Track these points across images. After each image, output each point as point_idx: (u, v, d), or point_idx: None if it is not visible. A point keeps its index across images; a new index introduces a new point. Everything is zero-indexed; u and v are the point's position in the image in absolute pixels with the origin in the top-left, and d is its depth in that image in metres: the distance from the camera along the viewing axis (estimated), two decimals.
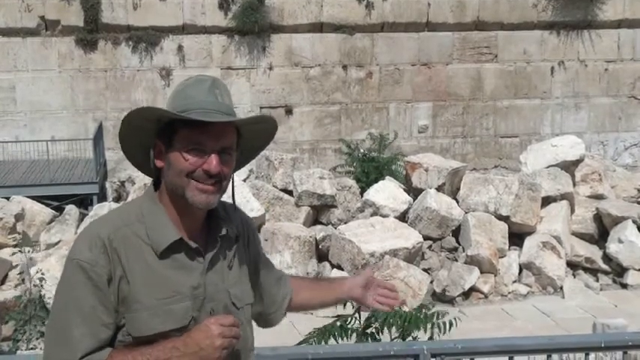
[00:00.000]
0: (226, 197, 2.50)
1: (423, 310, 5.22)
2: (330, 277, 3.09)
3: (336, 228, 13.14)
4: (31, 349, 10.01)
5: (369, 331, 5.01)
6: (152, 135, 2.32)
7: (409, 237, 12.55)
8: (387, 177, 14.86)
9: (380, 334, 5.02)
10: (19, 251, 12.24)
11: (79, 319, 2.17)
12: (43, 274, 11.00)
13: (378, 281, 2.88)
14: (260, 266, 2.65)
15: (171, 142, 2.27)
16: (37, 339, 10.32)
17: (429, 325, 5.07)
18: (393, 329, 5.01)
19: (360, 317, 5.16)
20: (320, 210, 13.91)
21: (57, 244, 13.17)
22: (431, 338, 4.96)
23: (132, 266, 2.23)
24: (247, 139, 2.41)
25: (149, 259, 2.25)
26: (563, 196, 13.88)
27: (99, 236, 2.23)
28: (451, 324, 5.14)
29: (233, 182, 2.45)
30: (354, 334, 4.91)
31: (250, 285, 2.53)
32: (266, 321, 2.75)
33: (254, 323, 2.62)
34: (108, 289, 2.20)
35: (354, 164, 16.73)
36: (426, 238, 12.93)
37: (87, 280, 2.18)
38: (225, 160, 2.28)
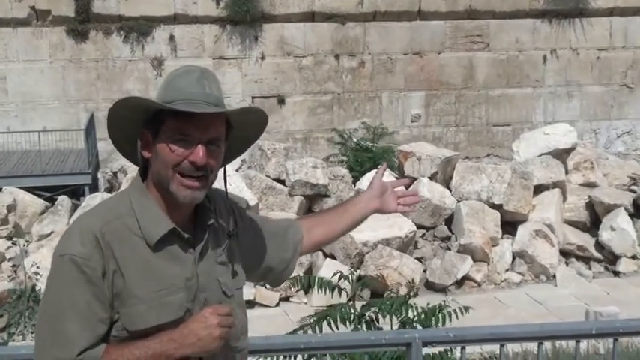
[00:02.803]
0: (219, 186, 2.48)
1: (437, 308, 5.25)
2: (345, 201, 3.10)
3: None
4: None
5: (366, 318, 5.02)
6: (139, 125, 2.30)
7: (402, 226, 12.57)
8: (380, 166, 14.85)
9: (377, 322, 5.03)
10: (13, 243, 12.22)
11: (74, 315, 2.14)
12: (38, 267, 10.97)
13: (391, 184, 2.98)
14: (260, 239, 2.63)
15: (159, 133, 2.25)
16: (33, 332, 10.31)
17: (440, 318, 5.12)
18: (393, 318, 5.01)
19: (354, 305, 5.16)
20: (313, 199, 13.91)
21: (49, 235, 13.15)
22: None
23: (125, 259, 2.20)
24: (238, 130, 2.38)
25: (142, 251, 2.23)
26: (555, 185, 13.92)
27: (90, 230, 2.20)
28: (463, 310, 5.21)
29: (225, 172, 2.44)
30: (351, 323, 4.91)
31: (247, 268, 2.53)
32: (278, 280, 2.77)
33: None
34: (102, 283, 2.17)
35: (347, 154, 16.73)
36: (419, 227, 12.96)
37: (81, 275, 2.15)
38: (212, 152, 2.26)
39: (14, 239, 12.33)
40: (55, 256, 2.21)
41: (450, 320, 5.12)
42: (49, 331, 2.16)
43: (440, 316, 5.14)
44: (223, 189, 2.49)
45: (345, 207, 2.94)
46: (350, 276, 5.38)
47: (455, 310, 5.27)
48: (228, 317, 2.24)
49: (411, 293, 5.42)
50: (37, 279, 11.09)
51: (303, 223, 2.84)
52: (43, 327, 2.20)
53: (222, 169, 2.42)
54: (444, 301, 5.49)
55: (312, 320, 4.74)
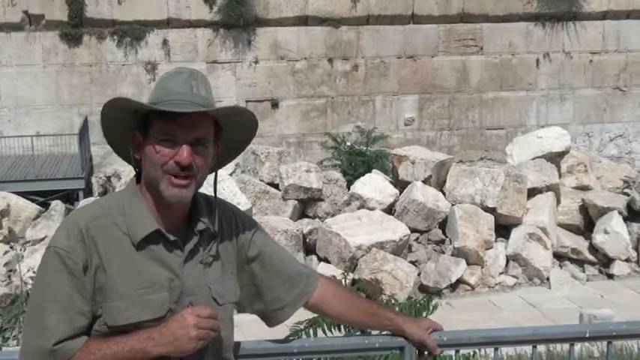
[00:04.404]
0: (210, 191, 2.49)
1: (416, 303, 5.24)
2: (384, 307, 2.90)
3: (323, 221, 13.14)
4: None
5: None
6: (131, 127, 2.32)
7: (396, 229, 12.57)
8: (374, 170, 14.86)
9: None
10: (11, 247, 12.20)
11: (54, 306, 2.18)
12: (34, 272, 10.93)
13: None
14: (259, 264, 2.55)
15: (147, 134, 2.27)
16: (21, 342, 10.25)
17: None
18: None
19: None
20: (307, 203, 13.90)
21: (43, 239, 13.12)
22: None
23: (109, 255, 2.23)
24: (229, 132, 2.39)
25: (127, 249, 2.26)
26: (549, 188, 13.93)
27: (77, 224, 2.24)
28: (435, 307, 5.17)
29: (216, 176, 2.45)
30: (344, 328, 4.92)
31: (238, 282, 2.50)
32: (270, 318, 2.64)
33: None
34: (84, 276, 2.21)
35: (341, 157, 16.73)
36: (412, 230, 12.95)
37: (63, 268, 2.19)
38: (198, 152, 2.26)
39: (11, 243, 12.32)
40: (45, 248, 2.26)
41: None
42: (33, 320, 2.21)
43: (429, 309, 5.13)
44: (229, 198, 2.48)
45: (380, 310, 2.78)
46: (343, 280, 5.37)
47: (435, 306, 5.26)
48: (208, 320, 2.23)
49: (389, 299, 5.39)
50: (31, 283, 11.06)
51: (325, 285, 2.69)
52: (28, 316, 2.25)
53: (214, 173, 2.43)
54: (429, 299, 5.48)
55: (304, 326, 4.73)
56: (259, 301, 2.59)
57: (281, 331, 2.84)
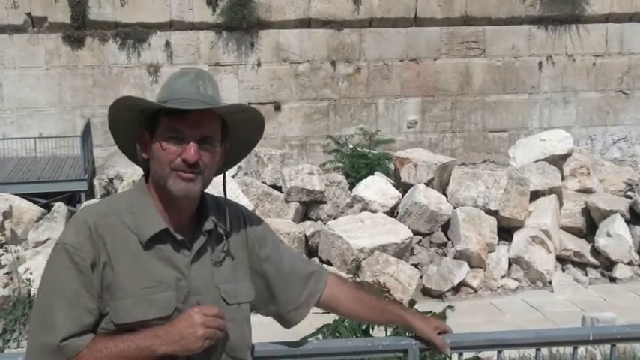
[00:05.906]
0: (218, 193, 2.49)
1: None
2: (394, 303, 2.90)
3: (325, 224, 13.13)
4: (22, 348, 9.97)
5: (362, 327, 5.02)
6: (138, 126, 2.34)
7: (398, 232, 12.56)
8: (377, 173, 14.86)
9: (372, 329, 5.03)
10: (5, 250, 12.20)
11: (61, 303, 2.19)
12: (31, 272, 10.94)
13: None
14: (272, 265, 2.57)
15: (155, 133, 2.29)
16: (27, 338, 10.23)
17: None
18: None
19: None
20: (309, 206, 13.90)
21: (45, 241, 13.12)
22: None
23: (117, 254, 2.24)
24: (235, 130, 2.41)
25: (134, 248, 2.27)
26: (551, 191, 13.92)
27: (85, 222, 2.25)
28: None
29: (224, 177, 2.47)
30: (351, 333, 4.92)
31: (252, 283, 2.50)
32: (285, 319, 2.66)
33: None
34: (92, 274, 2.21)
35: (344, 160, 16.72)
36: (415, 233, 12.94)
37: (71, 264, 2.20)
38: (205, 150, 2.28)
39: (5, 246, 12.32)
40: (54, 245, 2.27)
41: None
42: (39, 316, 2.22)
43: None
44: (233, 200, 2.50)
45: (389, 306, 2.78)
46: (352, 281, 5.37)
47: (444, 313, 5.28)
48: (215, 318, 2.24)
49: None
50: (30, 285, 11.05)
51: (335, 283, 2.71)
52: (35, 312, 2.25)
53: (222, 174, 2.46)
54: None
55: (316, 331, 4.74)
56: (273, 304, 2.62)
57: (286, 333, 2.84)
